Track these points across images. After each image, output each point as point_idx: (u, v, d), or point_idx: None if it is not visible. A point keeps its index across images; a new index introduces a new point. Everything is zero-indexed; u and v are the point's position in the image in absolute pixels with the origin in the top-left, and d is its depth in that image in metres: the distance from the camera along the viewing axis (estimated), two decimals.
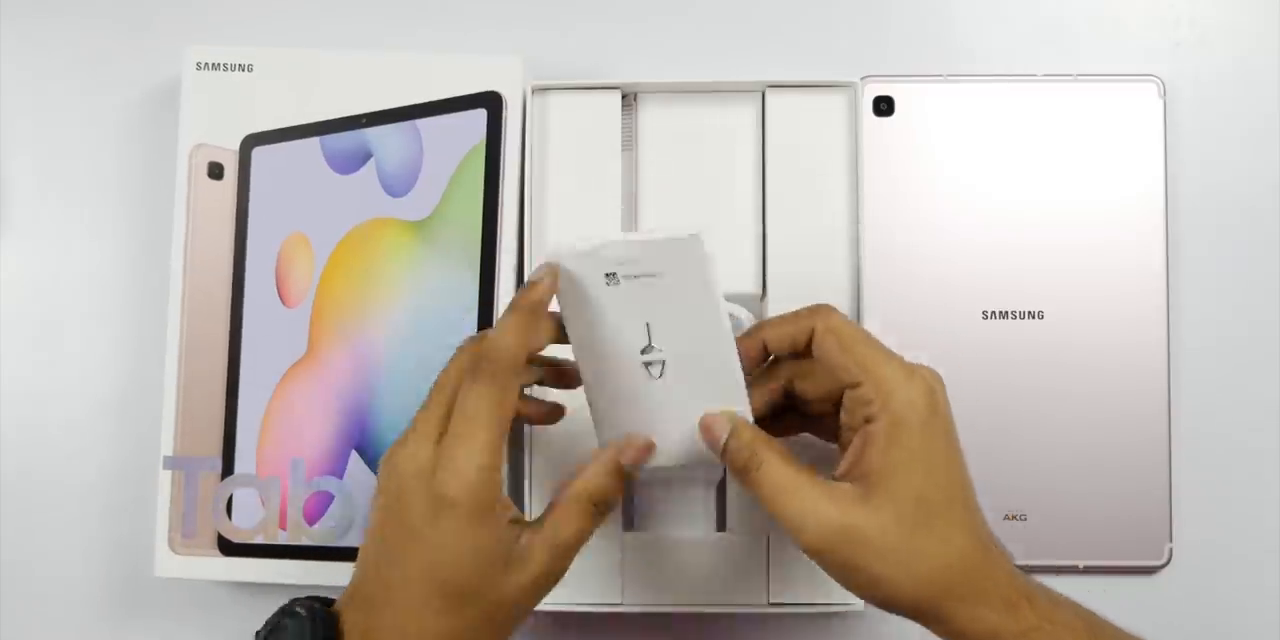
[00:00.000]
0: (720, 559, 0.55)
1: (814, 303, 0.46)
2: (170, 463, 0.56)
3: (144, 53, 0.61)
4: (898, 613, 0.44)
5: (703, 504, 0.56)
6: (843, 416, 0.45)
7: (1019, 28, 0.60)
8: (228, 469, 0.56)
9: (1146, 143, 0.58)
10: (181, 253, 0.57)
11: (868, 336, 0.45)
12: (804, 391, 0.47)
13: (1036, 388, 0.57)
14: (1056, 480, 0.57)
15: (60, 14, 0.61)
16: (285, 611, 0.45)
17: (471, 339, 0.47)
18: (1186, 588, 0.57)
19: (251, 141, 0.57)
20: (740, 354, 0.45)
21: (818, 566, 0.44)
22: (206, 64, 0.57)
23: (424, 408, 0.45)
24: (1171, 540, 0.57)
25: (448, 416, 0.44)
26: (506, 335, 0.44)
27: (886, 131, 0.58)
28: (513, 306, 0.45)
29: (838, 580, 0.44)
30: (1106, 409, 0.57)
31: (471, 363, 0.45)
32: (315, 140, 0.57)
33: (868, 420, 0.44)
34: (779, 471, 0.44)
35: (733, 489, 0.55)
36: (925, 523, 0.42)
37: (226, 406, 0.56)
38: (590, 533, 0.46)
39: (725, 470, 0.55)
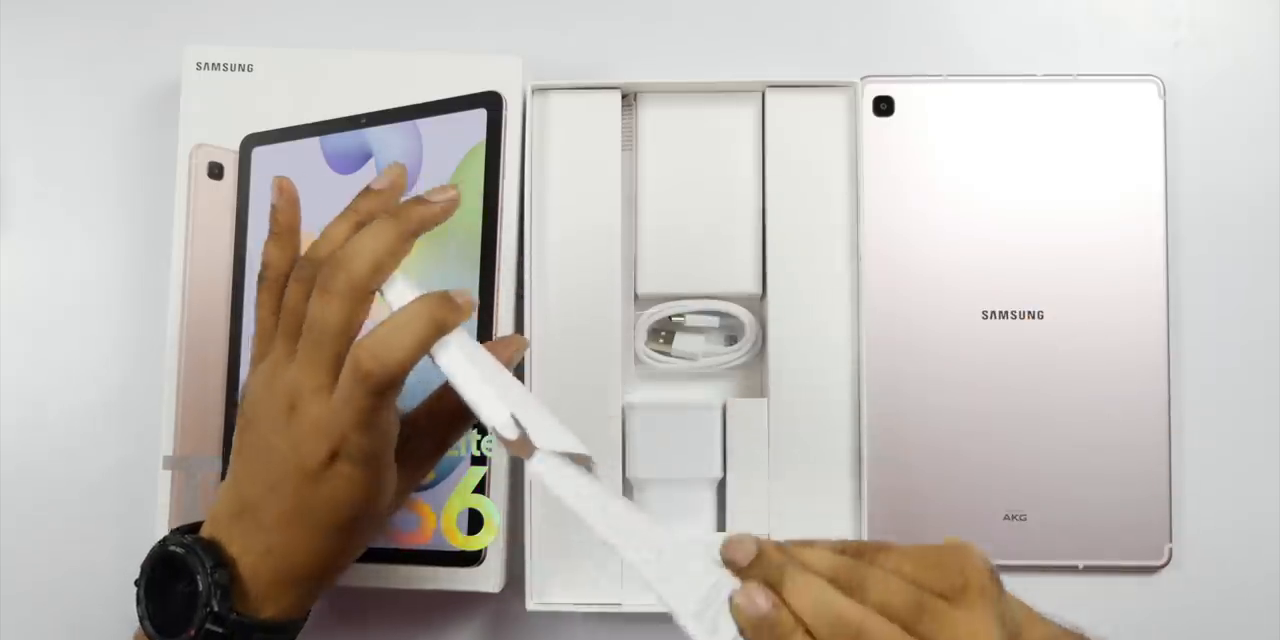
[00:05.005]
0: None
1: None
2: (170, 463, 0.56)
3: (143, 53, 0.61)
4: None
5: (702, 503, 0.56)
6: None
7: (1019, 28, 0.60)
8: (228, 469, 0.56)
9: (1146, 143, 0.58)
10: (181, 253, 0.57)
11: None
12: None
13: (1036, 388, 0.57)
14: (1056, 480, 0.57)
15: (59, 13, 0.61)
16: (163, 549, 0.45)
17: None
18: (1186, 588, 0.57)
19: (251, 141, 0.57)
20: None
21: None
22: (206, 64, 0.57)
23: (312, 351, 0.44)
24: (1171, 540, 0.57)
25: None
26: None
27: (886, 131, 0.58)
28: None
29: None
30: (1106, 409, 0.57)
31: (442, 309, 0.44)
32: (315, 140, 0.57)
33: None
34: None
35: (733, 489, 0.55)
36: None
37: (226, 406, 0.56)
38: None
39: (724, 470, 0.56)
